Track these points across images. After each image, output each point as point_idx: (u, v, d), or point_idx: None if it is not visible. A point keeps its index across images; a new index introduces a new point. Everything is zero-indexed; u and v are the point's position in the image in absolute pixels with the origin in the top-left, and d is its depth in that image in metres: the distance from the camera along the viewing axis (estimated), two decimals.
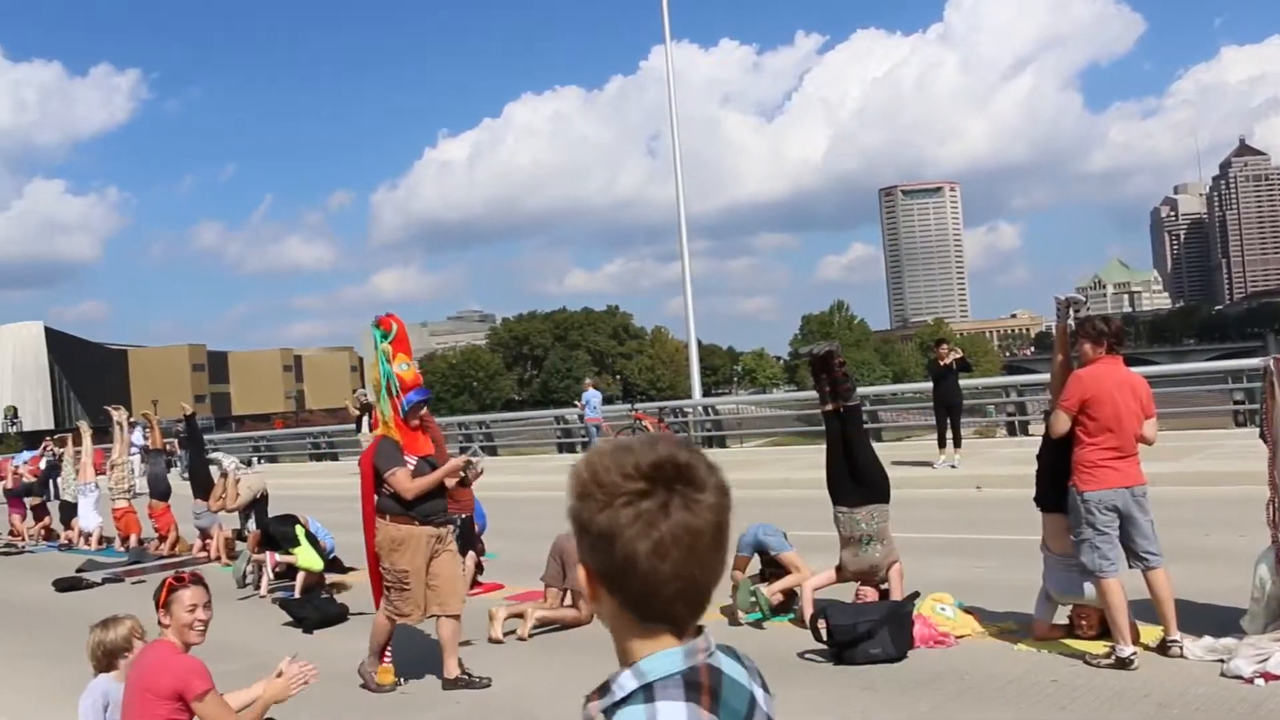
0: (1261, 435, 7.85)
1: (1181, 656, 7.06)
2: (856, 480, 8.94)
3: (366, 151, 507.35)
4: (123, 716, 5.18)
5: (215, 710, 5.04)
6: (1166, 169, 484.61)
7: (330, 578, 12.34)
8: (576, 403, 29.08)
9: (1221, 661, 6.84)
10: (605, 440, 1.71)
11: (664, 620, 1.61)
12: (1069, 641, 7.70)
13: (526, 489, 21.57)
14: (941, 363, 18.97)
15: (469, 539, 11.28)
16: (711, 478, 1.61)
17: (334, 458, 37.93)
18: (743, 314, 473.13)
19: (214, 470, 15.52)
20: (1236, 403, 21.51)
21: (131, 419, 20.29)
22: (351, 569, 12.81)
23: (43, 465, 21.45)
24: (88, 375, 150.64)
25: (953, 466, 18.10)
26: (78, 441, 19.32)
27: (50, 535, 19.77)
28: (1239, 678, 6.59)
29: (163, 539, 16.67)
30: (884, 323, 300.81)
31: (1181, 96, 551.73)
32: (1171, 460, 15.06)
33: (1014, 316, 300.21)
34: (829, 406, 9.18)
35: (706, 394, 51.19)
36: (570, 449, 30.94)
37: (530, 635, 9.36)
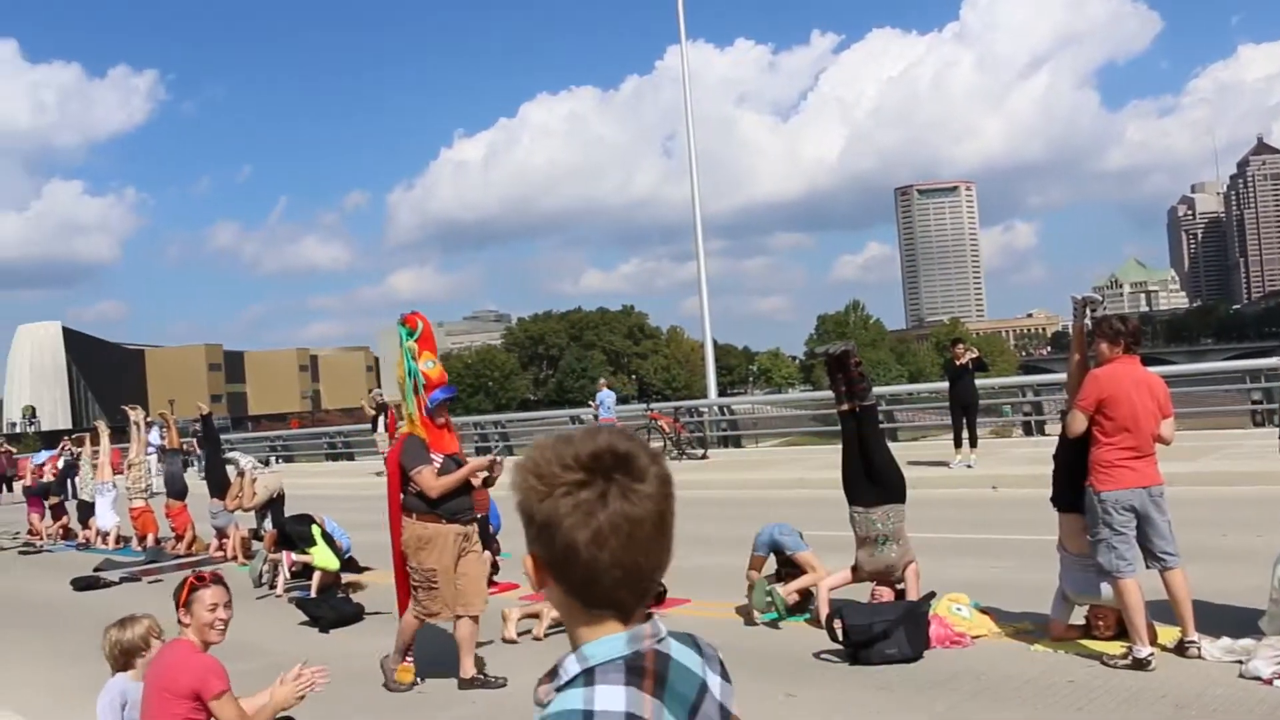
0: None
1: (1199, 657, 7.03)
2: (872, 480, 8.93)
3: (382, 152, 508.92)
4: (141, 715, 5.20)
5: (231, 712, 5.05)
6: (1184, 167, 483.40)
7: (346, 577, 12.37)
8: (591, 403, 29.10)
9: (1240, 663, 6.81)
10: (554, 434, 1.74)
11: (608, 607, 1.64)
12: (1086, 642, 7.67)
13: None
14: (958, 362, 18.95)
15: (484, 539, 11.28)
16: (652, 467, 1.64)
17: (350, 457, 38.01)
18: (758, 314, 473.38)
19: (231, 470, 15.57)
20: (1254, 402, 21.44)
21: (148, 419, 20.36)
22: (367, 569, 12.84)
23: (60, 464, 21.56)
24: (105, 375, 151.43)
25: (969, 466, 18.06)
26: (95, 441, 19.40)
27: (68, 534, 19.86)
28: (1257, 679, 6.56)
29: (179, 538, 16.73)
30: (900, 322, 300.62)
31: (1199, 95, 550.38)
32: (1189, 460, 15.01)
33: (1030, 316, 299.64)
34: (845, 406, 9.17)
35: (722, 394, 51.14)
36: None
37: (545, 635, 9.37)
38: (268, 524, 14.46)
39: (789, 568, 9.66)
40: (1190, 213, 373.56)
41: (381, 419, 28.80)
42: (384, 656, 8.35)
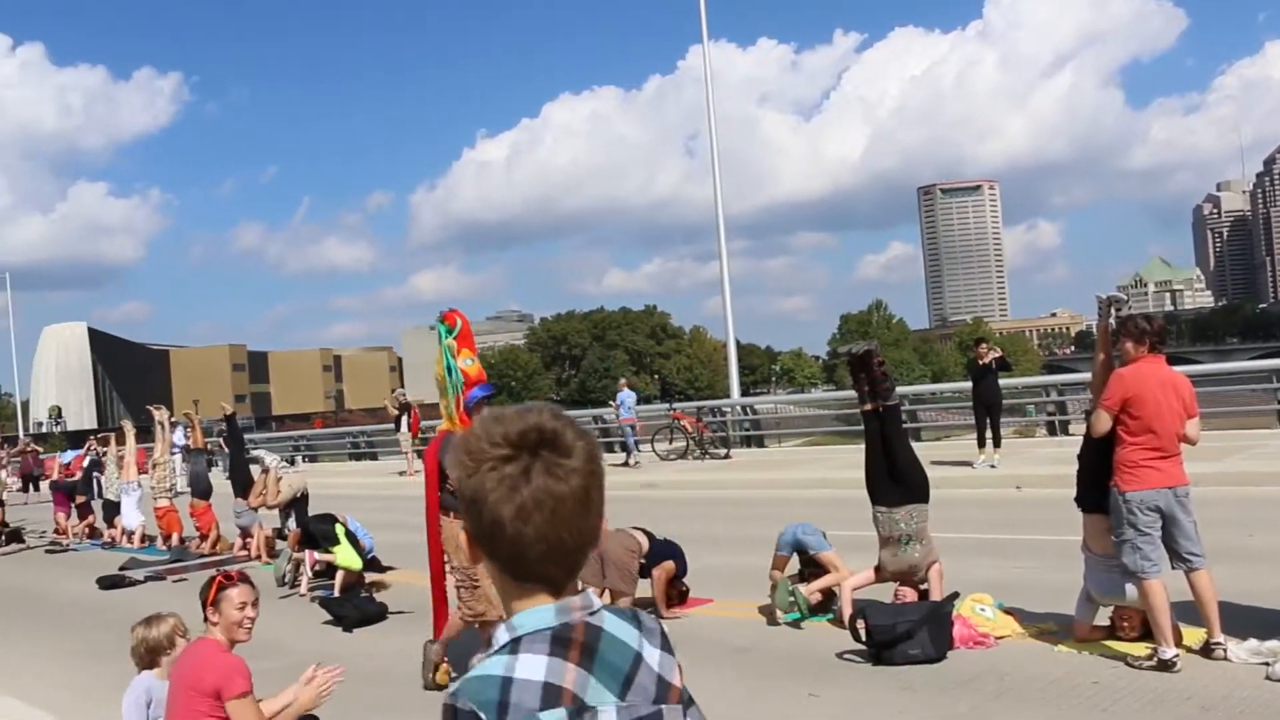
0: None
1: (1225, 659, 6.99)
2: (895, 480, 8.91)
3: (405, 152, 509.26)
4: (166, 713, 5.22)
5: (248, 713, 5.07)
6: (1209, 165, 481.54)
7: (369, 576, 12.40)
8: (611, 403, 29.09)
9: (1266, 664, 6.76)
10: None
11: (537, 580, 1.69)
12: (1110, 643, 7.63)
13: None
14: (981, 362, 18.92)
15: None
16: (579, 443, 1.69)
17: (373, 457, 38.16)
18: (781, 313, 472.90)
19: (255, 469, 15.64)
20: None
21: (173, 419, 20.48)
22: (390, 568, 12.88)
23: (85, 464, 21.70)
24: (130, 375, 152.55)
25: (992, 466, 18.01)
26: (121, 440, 19.52)
27: (94, 533, 19.98)
28: None
29: (204, 538, 16.80)
30: (923, 322, 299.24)
31: (1224, 92, 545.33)
32: (1214, 460, 14.93)
33: (1054, 315, 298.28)
34: (868, 406, 9.16)
35: (745, 393, 51.15)
36: (608, 448, 30.94)
37: None
38: (291, 523, 14.52)
39: (812, 567, 9.65)
40: (1216, 211, 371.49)
41: (404, 419, 28.96)
42: (429, 643, 8.29)
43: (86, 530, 20.15)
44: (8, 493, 24.41)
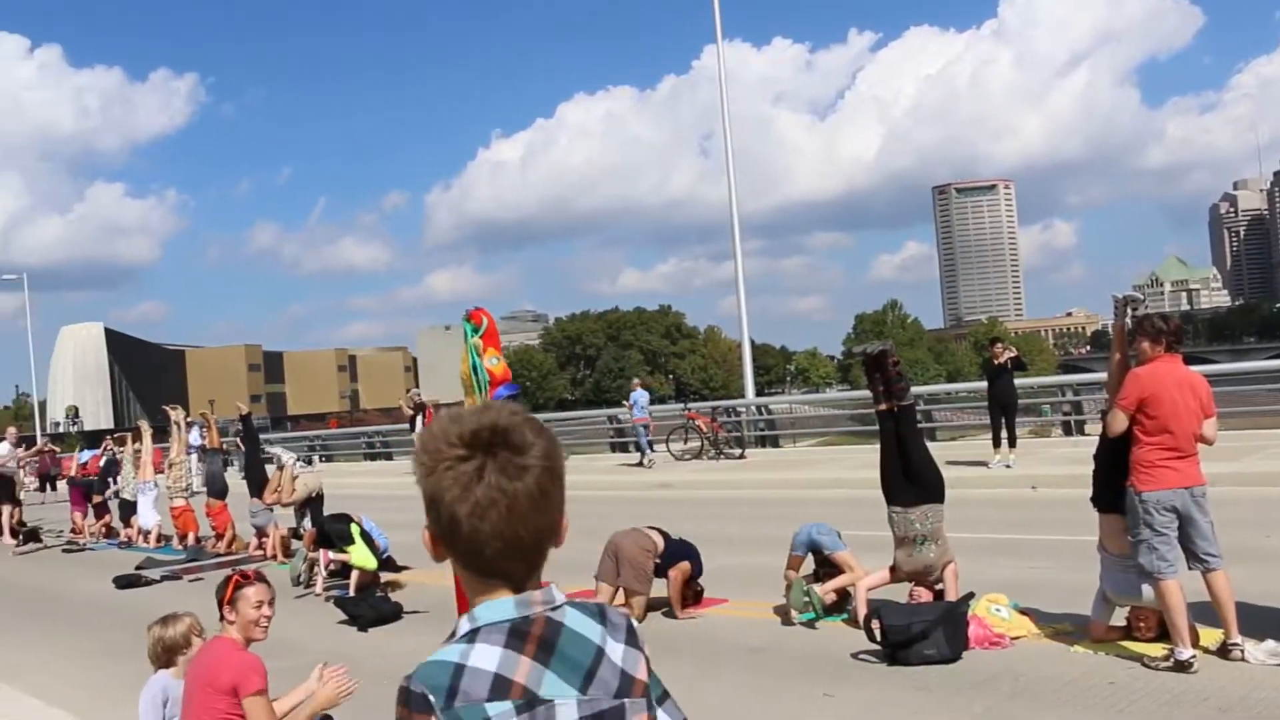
0: None
1: (1242, 660, 6.96)
2: (911, 480, 8.90)
3: (420, 152, 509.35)
4: (183, 710, 5.24)
5: (262, 712, 5.08)
6: (1226, 164, 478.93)
7: (384, 576, 12.42)
8: (625, 402, 29.13)
9: None
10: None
11: (497, 575, 1.73)
12: (1127, 644, 7.61)
13: (579, 488, 21.55)
14: (996, 361, 18.89)
15: None
16: (536, 441, 1.72)
17: (388, 457, 38.24)
18: (796, 313, 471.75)
19: (270, 468, 15.68)
20: None
21: (188, 419, 20.55)
22: (405, 568, 12.89)
23: (101, 464, 21.79)
24: (146, 375, 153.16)
25: (1008, 466, 17.97)
26: (137, 440, 19.59)
27: (110, 533, 20.05)
28: None
29: (220, 537, 16.86)
30: (938, 321, 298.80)
31: (1241, 90, 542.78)
32: (1231, 460, 14.88)
33: (1069, 315, 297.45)
34: (883, 406, 9.15)
35: (760, 393, 51.14)
36: (623, 449, 30.99)
37: None
38: (307, 523, 14.57)
39: (827, 567, 9.64)
40: (1232, 210, 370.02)
41: (419, 419, 28.95)
42: None
43: (103, 530, 20.22)
44: (26, 492, 24.48)
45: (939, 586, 8.79)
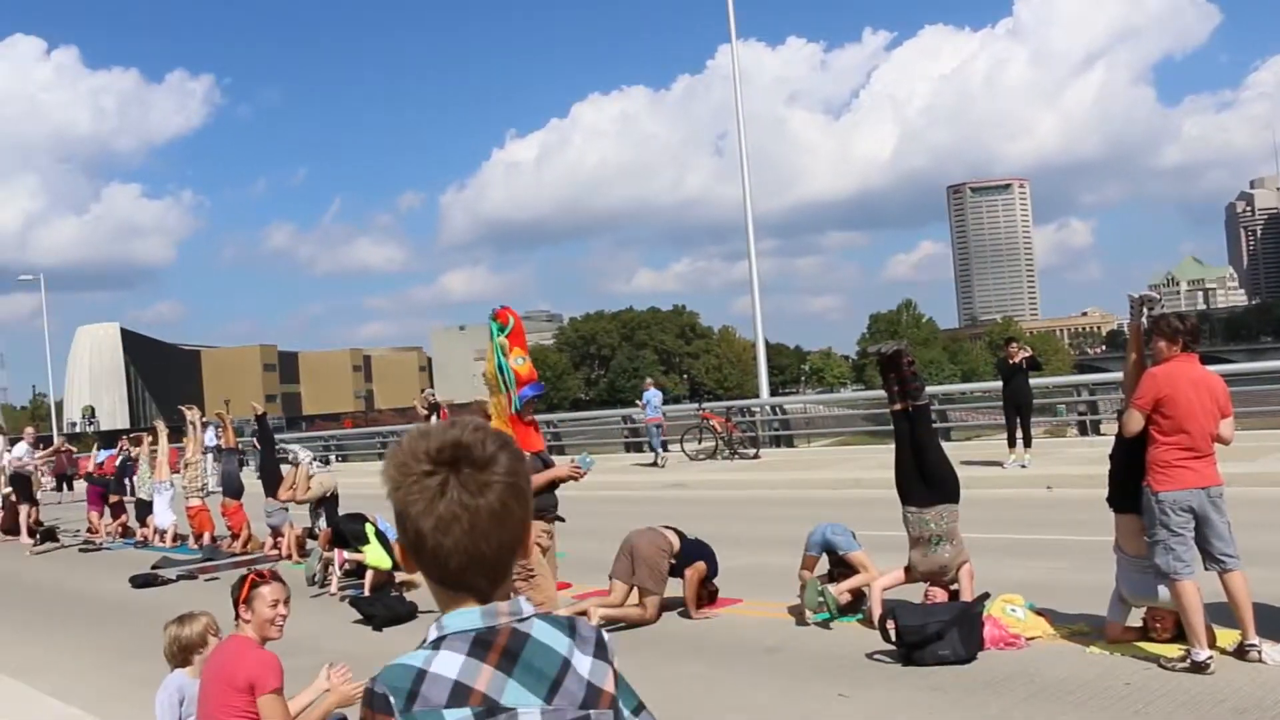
0: None
1: (1260, 661, 6.93)
2: (925, 480, 8.88)
3: (435, 153, 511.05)
4: (199, 708, 5.26)
5: (277, 710, 5.10)
6: (1243, 163, 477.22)
7: (399, 576, 12.44)
8: (638, 402, 29.16)
9: None
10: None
11: (462, 588, 1.78)
12: (1143, 644, 7.59)
13: (593, 488, 21.54)
14: (1011, 361, 18.85)
15: None
16: (499, 457, 1.76)
17: None
18: (810, 313, 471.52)
19: (285, 466, 15.72)
20: None
21: (204, 419, 20.60)
22: None
23: (117, 464, 21.87)
24: (162, 375, 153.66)
25: (1023, 466, 17.94)
26: (154, 440, 19.65)
27: (127, 532, 20.12)
28: None
29: (235, 537, 16.91)
30: (953, 321, 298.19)
31: (1259, 89, 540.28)
32: (1248, 460, 14.83)
33: (1085, 315, 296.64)
34: (897, 406, 9.14)
35: (774, 393, 51.04)
36: (637, 448, 31.00)
37: None
38: (322, 523, 14.59)
39: (841, 568, 9.63)
40: (1249, 209, 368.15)
41: (434, 419, 29.02)
42: None
43: (119, 529, 20.29)
44: (43, 492, 24.59)
45: (954, 587, 8.77)
